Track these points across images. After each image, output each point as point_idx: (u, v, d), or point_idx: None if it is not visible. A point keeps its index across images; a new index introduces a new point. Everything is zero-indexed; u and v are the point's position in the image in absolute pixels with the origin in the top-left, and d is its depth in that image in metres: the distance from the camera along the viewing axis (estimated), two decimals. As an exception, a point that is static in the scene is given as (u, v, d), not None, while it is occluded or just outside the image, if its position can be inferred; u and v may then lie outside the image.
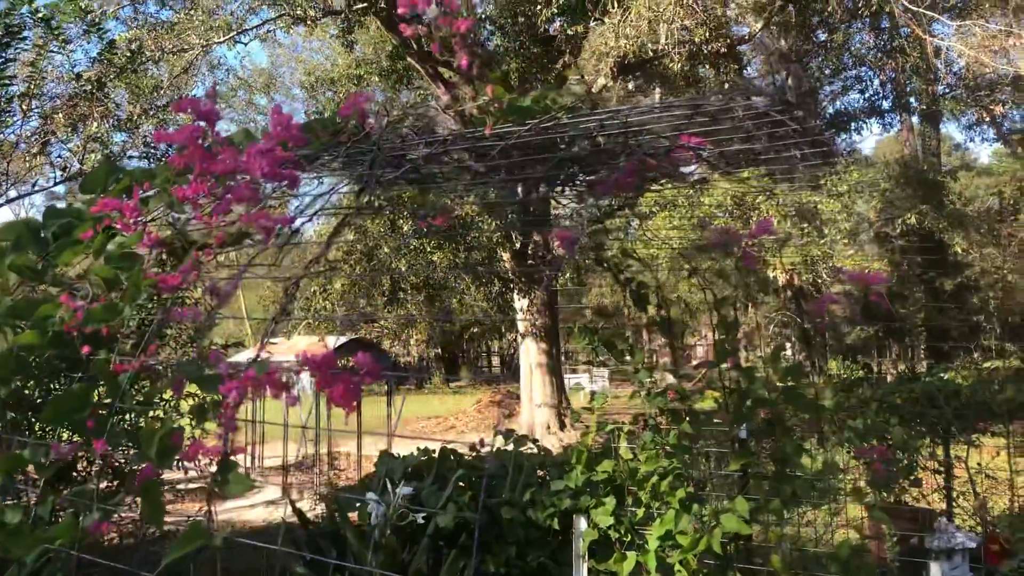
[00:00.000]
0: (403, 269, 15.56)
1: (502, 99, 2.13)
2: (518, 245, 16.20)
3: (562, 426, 16.36)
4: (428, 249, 14.83)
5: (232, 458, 1.51)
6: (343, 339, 14.07)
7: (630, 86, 18.05)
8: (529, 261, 16.36)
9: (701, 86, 15.70)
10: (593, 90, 12.91)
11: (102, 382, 1.87)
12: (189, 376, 1.63)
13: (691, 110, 2.21)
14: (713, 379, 3.73)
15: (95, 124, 10.40)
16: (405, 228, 13.79)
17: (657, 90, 18.24)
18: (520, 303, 16.89)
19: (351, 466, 12.84)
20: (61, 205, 2.47)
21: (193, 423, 1.83)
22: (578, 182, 2.98)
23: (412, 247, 14.56)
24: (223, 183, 2.04)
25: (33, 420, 2.99)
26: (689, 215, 12.67)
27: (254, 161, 1.80)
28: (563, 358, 19.35)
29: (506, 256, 16.39)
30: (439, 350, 33.51)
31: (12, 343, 2.07)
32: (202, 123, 2.00)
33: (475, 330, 33.02)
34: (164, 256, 2.03)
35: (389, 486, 4.58)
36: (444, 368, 32.76)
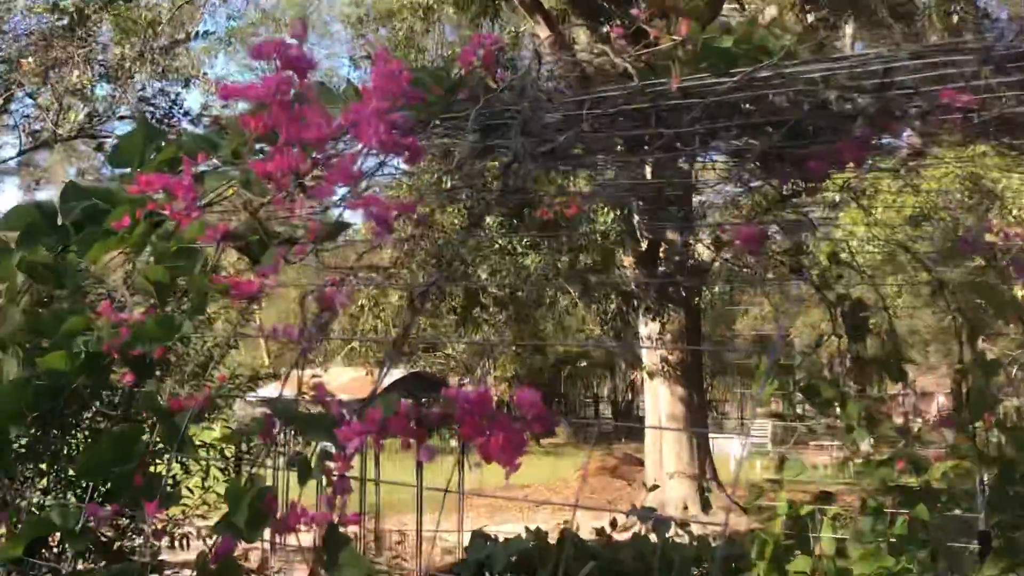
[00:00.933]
0: (483, 277, 15.72)
1: (695, 39, 2.16)
2: (645, 245, 16.19)
3: (706, 506, 16.24)
4: (519, 250, 14.96)
5: (344, 530, 1.57)
6: (395, 373, 14.29)
7: (810, 19, 17.87)
8: (661, 268, 16.32)
9: (917, 22, 15.42)
10: (761, 21, 12.83)
11: (151, 422, 1.96)
12: (286, 418, 1.69)
13: (967, 54, 2.19)
14: (961, 445, 3.68)
15: (75, 72, 10.85)
16: (489, 220, 13.94)
17: (848, 26, 18.00)
18: (647, 328, 16.84)
19: (407, 546, 13.02)
20: (75, 179, 2.60)
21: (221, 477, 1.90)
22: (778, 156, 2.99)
23: (497, 246, 14.71)
24: (310, 154, 2.12)
25: (55, 470, 3.15)
26: (899, 204, 12.43)
27: (367, 125, 1.87)
28: (708, 408, 19.25)
29: (628, 261, 16.39)
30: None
31: (24, 368, 2.20)
32: (288, 72, 2.08)
33: (580, 365, 33.07)
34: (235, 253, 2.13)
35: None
36: (532, 418, 32.96)
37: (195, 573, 1.71)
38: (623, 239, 15.77)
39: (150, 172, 2.36)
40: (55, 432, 2.70)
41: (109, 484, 2.21)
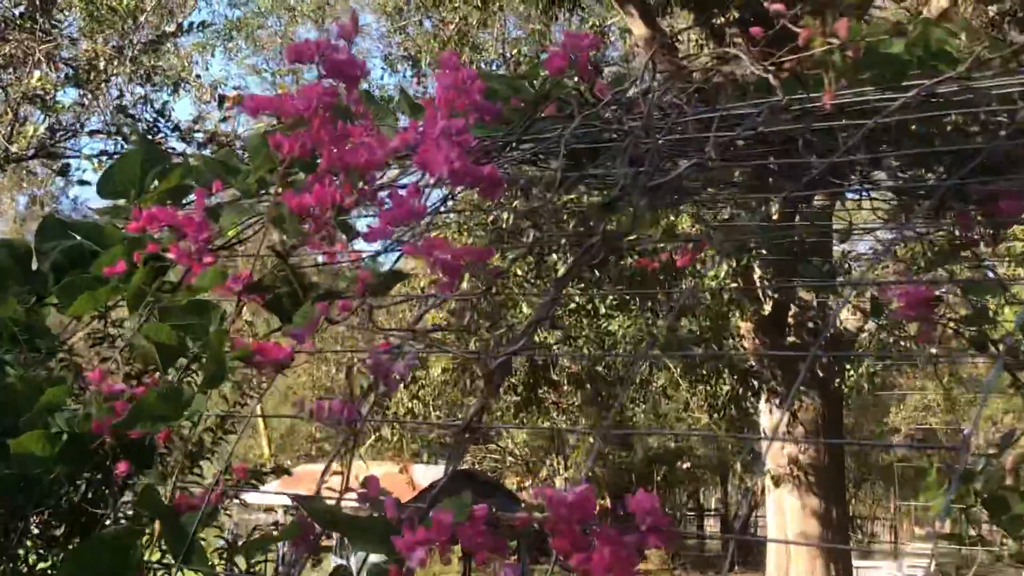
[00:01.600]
0: (553, 345, 15.77)
1: (856, 41, 2.21)
2: (769, 308, 16.15)
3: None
4: (604, 310, 15.01)
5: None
6: (433, 471, 14.33)
7: (991, 11, 17.85)
8: (791, 339, 16.26)
9: None
10: (926, 14, 12.81)
11: (152, 525, 2.03)
12: (327, 521, 1.74)
13: None
14: None
15: (35, 74, 11.14)
16: (558, 267, 14.01)
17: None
18: (770, 418, 16.77)
19: None
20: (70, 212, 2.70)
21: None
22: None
23: (575, 306, 14.77)
24: (355, 182, 2.20)
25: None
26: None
27: (436, 148, 1.94)
28: (852, 527, 19.03)
29: (745, 327, 16.35)
30: (605, 499, 33.52)
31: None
32: (332, 81, 2.16)
33: (681, 465, 32.85)
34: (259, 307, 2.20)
35: None
36: (614, 534, 32.78)
37: None
38: (739, 300, 15.74)
39: (151, 204, 2.45)
40: (20, 537, 2.78)
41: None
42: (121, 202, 2.63)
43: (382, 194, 2.22)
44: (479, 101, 2.22)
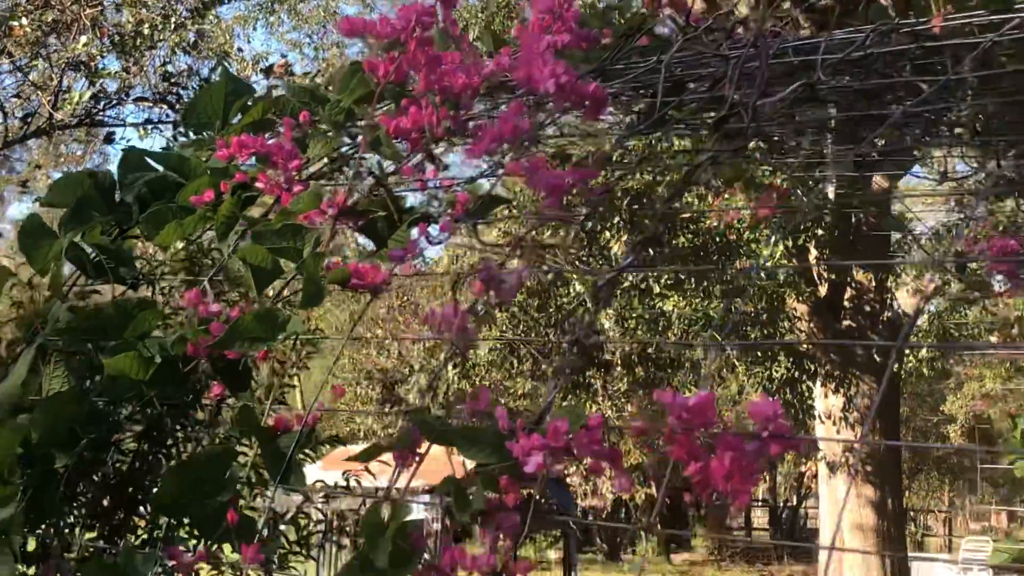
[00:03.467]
0: (607, 328, 15.75)
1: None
2: (824, 289, 16.09)
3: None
4: (659, 289, 14.96)
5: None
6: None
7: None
8: (847, 322, 16.20)
9: None
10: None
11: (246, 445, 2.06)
12: (434, 432, 1.77)
13: None
14: None
15: (81, 39, 11.19)
16: (615, 247, 14.00)
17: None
18: (825, 403, 16.70)
19: None
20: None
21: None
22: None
23: (628, 283, 14.74)
24: (452, 107, 2.22)
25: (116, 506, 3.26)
26: None
27: (541, 65, 1.96)
28: (908, 520, 18.90)
29: (801, 309, 16.29)
30: (650, 487, 33.47)
31: (74, 379, 2.32)
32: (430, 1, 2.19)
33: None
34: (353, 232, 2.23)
35: None
36: (660, 523, 32.68)
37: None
38: (795, 281, 15.65)
39: (236, 134, 2.48)
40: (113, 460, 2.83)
41: (188, 521, 2.31)
42: (202, 136, 2.67)
43: (473, 124, 2.25)
44: (574, 26, 2.24)
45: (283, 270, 2.23)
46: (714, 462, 1.57)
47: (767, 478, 37.37)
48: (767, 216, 3.72)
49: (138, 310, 2.25)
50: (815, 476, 21.84)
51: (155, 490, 2.59)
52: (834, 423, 16.44)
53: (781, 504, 37.59)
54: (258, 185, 2.35)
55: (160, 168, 2.60)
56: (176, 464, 2.21)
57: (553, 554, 23.84)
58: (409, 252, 2.04)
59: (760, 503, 39.31)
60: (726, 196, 10.28)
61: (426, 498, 12.31)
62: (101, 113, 11.87)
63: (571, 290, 15.53)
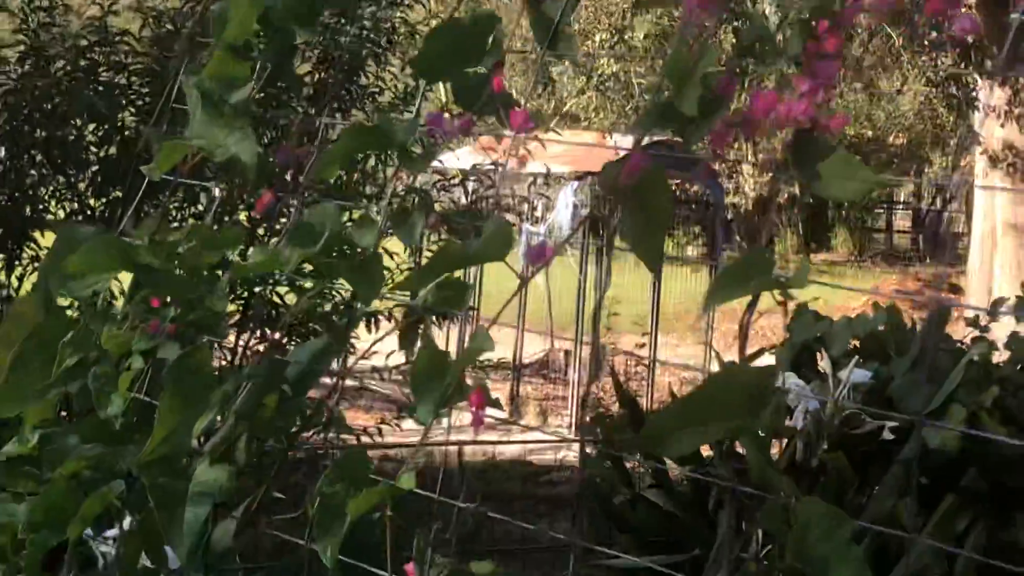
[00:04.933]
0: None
1: None
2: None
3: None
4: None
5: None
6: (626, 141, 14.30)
7: None
8: (1013, 14, 15.78)
9: None
10: None
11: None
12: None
13: None
14: None
15: None
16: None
17: None
18: (992, 94, 16.39)
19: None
20: None
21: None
22: None
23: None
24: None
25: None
26: None
27: None
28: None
29: (970, -1, 15.89)
30: (796, 187, 33.05)
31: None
32: None
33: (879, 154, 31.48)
34: None
35: (825, 364, 4.84)
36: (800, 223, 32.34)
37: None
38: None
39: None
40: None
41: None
42: None
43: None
44: None
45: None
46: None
47: (913, 177, 36.11)
48: None
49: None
50: (972, 170, 21.40)
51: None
52: (998, 116, 16.06)
53: (924, 208, 36.50)
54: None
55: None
56: (437, 25, 2.08)
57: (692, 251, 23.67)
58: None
59: (902, 206, 38.01)
60: None
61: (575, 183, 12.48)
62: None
63: None
